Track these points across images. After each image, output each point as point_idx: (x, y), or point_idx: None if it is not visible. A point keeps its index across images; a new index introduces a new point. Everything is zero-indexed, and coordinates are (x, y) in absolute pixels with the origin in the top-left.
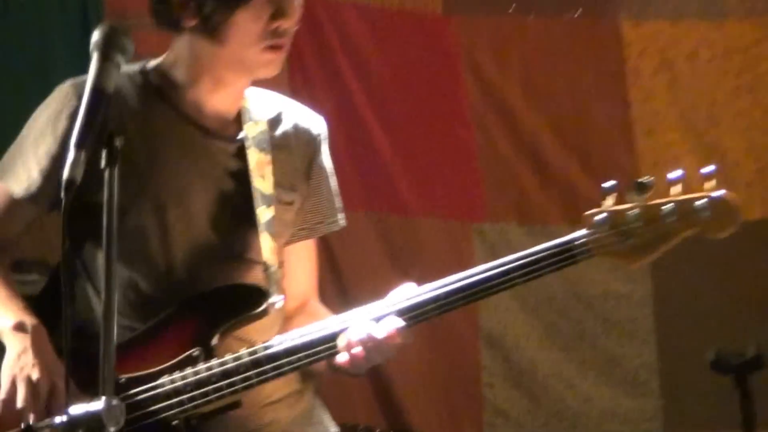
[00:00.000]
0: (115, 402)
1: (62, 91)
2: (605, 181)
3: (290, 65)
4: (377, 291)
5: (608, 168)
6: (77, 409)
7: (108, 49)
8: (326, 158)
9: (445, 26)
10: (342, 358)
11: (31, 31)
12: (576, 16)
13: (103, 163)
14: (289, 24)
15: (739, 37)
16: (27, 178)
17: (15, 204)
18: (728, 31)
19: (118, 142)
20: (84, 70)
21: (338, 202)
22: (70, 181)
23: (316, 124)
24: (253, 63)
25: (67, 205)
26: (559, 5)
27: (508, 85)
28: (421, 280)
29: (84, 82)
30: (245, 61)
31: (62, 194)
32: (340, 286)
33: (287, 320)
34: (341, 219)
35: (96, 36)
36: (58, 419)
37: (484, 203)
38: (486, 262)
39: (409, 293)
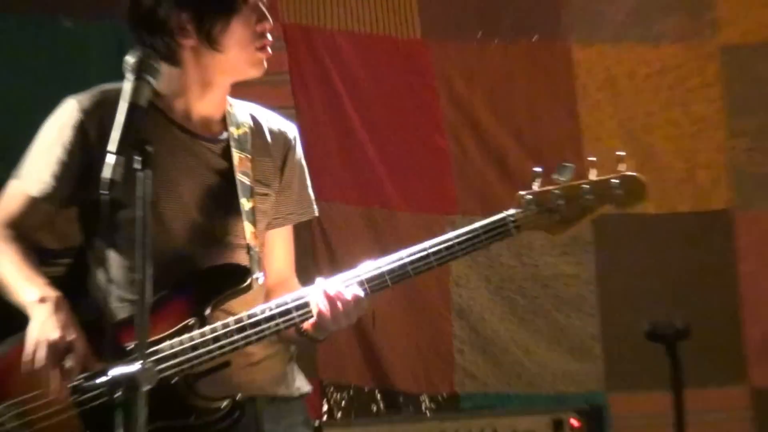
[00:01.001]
0: (148, 366)
1: (67, 107)
2: None
3: (293, 84)
4: None
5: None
6: (117, 371)
7: (140, 70)
8: (299, 157)
9: (423, 49)
10: (311, 319)
11: (75, 58)
12: (533, 40)
13: (139, 165)
14: (269, 26)
15: (671, 58)
16: (41, 181)
17: (32, 202)
18: (662, 53)
19: (150, 149)
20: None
21: (310, 196)
22: (112, 181)
23: (289, 129)
24: (248, 63)
25: (108, 201)
26: (518, 32)
27: (475, 100)
28: None
29: (84, 100)
30: (242, 63)
31: (105, 191)
32: (336, 269)
33: (268, 294)
34: (313, 211)
35: (130, 59)
36: (102, 379)
37: (455, 199)
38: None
39: (372, 265)
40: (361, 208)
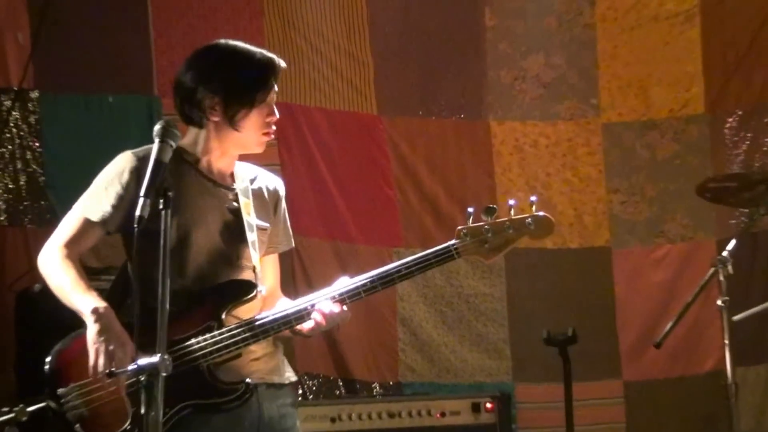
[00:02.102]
0: (166, 356)
1: (125, 156)
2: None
3: (280, 147)
4: None
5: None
6: (142, 361)
7: (164, 135)
8: (284, 204)
9: (378, 122)
10: (306, 325)
11: (115, 126)
12: (461, 117)
13: (161, 206)
14: (275, 119)
15: (564, 132)
16: (101, 209)
17: (91, 226)
18: (558, 128)
19: (171, 194)
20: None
21: (289, 232)
22: (141, 217)
23: (279, 183)
24: (254, 143)
25: (138, 232)
26: (450, 111)
27: (417, 161)
28: None
29: (139, 152)
30: (250, 142)
31: (135, 225)
32: (310, 288)
33: (264, 302)
34: (292, 242)
35: (157, 127)
36: (131, 366)
37: (400, 235)
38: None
39: (346, 282)
40: (329, 241)
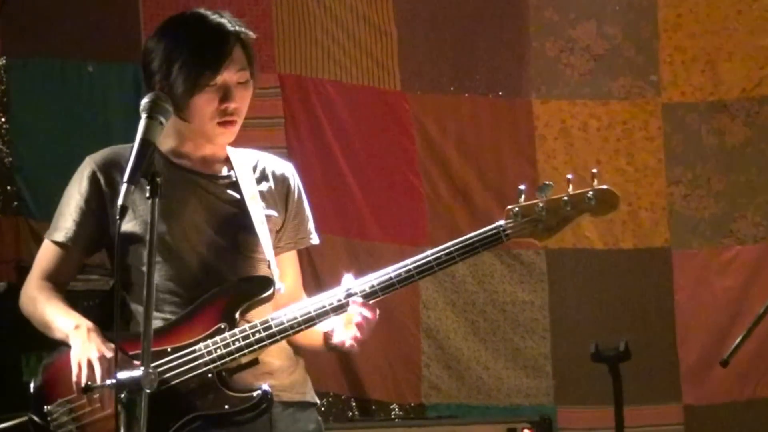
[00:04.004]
0: (151, 370)
1: (83, 164)
2: None
3: (287, 127)
4: None
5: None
6: (123, 375)
7: (153, 110)
8: (301, 193)
9: (402, 100)
10: (339, 339)
11: (95, 99)
12: (499, 95)
13: (148, 194)
14: (234, 105)
15: (618, 114)
16: (64, 228)
17: (59, 249)
18: (611, 109)
19: (159, 179)
20: (136, 124)
21: (311, 226)
22: (123, 207)
23: (287, 167)
24: (211, 134)
25: (120, 224)
26: (486, 87)
27: (446, 145)
28: None
29: (97, 155)
30: (205, 133)
31: (117, 216)
32: (320, 290)
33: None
34: (314, 238)
35: (144, 100)
36: (109, 381)
37: (427, 231)
38: (427, 277)
39: (351, 282)
40: (343, 238)
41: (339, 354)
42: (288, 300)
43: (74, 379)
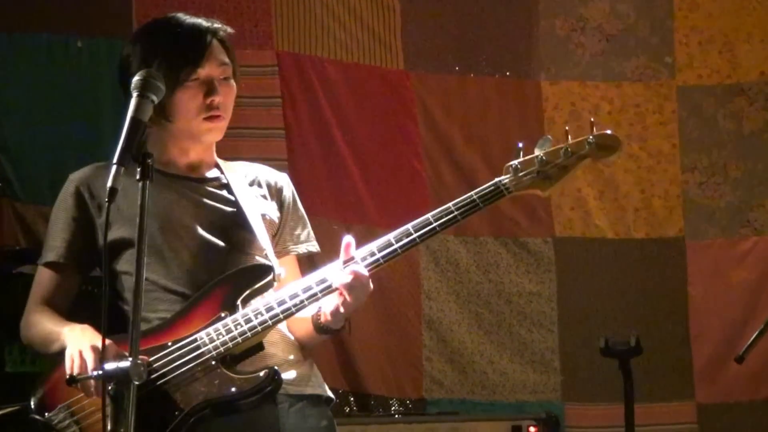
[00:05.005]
0: (139, 361)
1: (65, 185)
2: (525, 205)
3: (284, 106)
4: None
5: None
6: (110, 365)
7: (144, 89)
8: (296, 199)
9: (405, 79)
10: (329, 307)
11: (84, 76)
12: (506, 75)
13: (138, 176)
14: (219, 99)
15: (631, 96)
16: (54, 247)
17: (51, 272)
18: (623, 91)
19: (151, 161)
20: (125, 104)
21: (310, 232)
22: (113, 189)
23: (280, 176)
24: (198, 131)
25: (109, 209)
26: (493, 67)
27: (451, 127)
28: None
29: (77, 173)
30: (192, 131)
31: (106, 199)
32: None
33: None
34: (314, 245)
35: (135, 78)
36: (96, 372)
37: None
38: (430, 265)
39: (382, 240)
40: (341, 223)
41: (336, 346)
42: None
43: (66, 371)
